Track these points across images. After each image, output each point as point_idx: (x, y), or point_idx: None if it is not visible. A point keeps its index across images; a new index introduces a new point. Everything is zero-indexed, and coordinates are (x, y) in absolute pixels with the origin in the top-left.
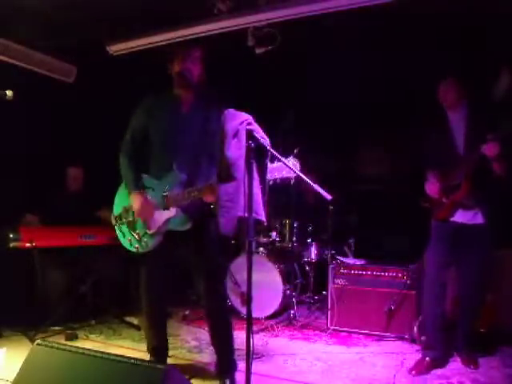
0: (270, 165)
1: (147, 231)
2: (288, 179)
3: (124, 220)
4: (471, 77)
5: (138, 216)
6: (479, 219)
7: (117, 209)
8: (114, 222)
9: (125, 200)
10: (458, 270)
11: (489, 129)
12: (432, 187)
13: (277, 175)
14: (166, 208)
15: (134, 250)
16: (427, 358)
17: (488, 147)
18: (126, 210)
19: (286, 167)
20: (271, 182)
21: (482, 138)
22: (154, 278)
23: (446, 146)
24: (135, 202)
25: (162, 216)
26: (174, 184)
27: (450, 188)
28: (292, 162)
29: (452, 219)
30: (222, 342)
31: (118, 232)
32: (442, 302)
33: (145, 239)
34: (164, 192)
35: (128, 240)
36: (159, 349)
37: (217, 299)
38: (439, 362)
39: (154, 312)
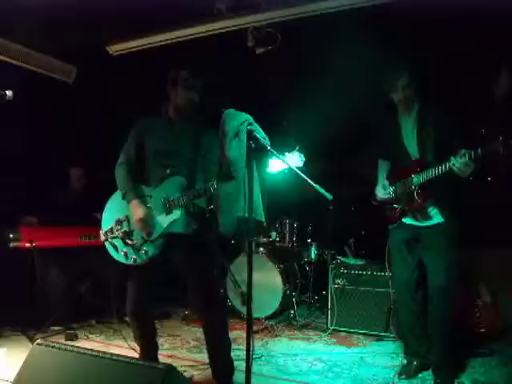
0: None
1: (148, 238)
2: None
3: (117, 233)
4: (426, 78)
5: (137, 226)
6: (433, 220)
7: (106, 223)
8: (103, 237)
9: (117, 212)
10: (426, 273)
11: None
12: (383, 195)
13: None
14: (169, 212)
15: (131, 261)
16: (414, 362)
17: (462, 166)
18: (120, 221)
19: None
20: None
21: (440, 142)
22: (141, 296)
23: (397, 149)
24: (136, 210)
25: (164, 220)
26: (173, 188)
27: (404, 195)
28: (297, 154)
29: (404, 221)
30: (218, 353)
31: (109, 248)
32: (416, 308)
33: (145, 248)
34: (164, 196)
35: (123, 253)
36: (147, 352)
37: (210, 304)
38: (426, 364)
39: (141, 324)
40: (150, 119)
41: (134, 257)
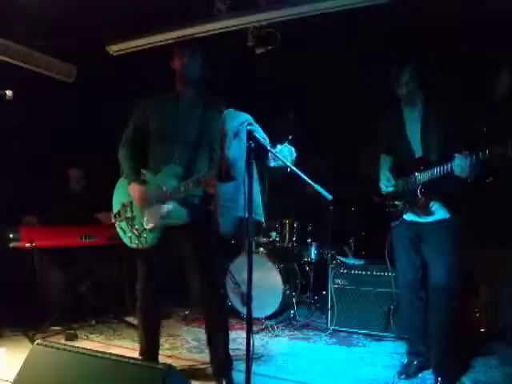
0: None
1: (145, 227)
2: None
3: (123, 216)
4: (431, 69)
5: (138, 203)
6: (435, 216)
7: (115, 206)
8: (113, 219)
9: (123, 196)
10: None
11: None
12: (388, 187)
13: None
14: (163, 202)
15: (134, 245)
16: (415, 362)
17: (461, 169)
18: (125, 206)
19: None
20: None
21: (445, 142)
22: (151, 277)
23: (400, 145)
24: (134, 191)
25: (159, 210)
26: (169, 177)
27: (406, 192)
28: (288, 148)
29: (406, 218)
30: (218, 342)
31: (118, 229)
32: (419, 305)
33: (144, 235)
34: (160, 186)
35: (128, 237)
36: (148, 350)
37: (213, 295)
38: (426, 364)
39: (149, 311)
40: (154, 99)
41: (136, 242)
